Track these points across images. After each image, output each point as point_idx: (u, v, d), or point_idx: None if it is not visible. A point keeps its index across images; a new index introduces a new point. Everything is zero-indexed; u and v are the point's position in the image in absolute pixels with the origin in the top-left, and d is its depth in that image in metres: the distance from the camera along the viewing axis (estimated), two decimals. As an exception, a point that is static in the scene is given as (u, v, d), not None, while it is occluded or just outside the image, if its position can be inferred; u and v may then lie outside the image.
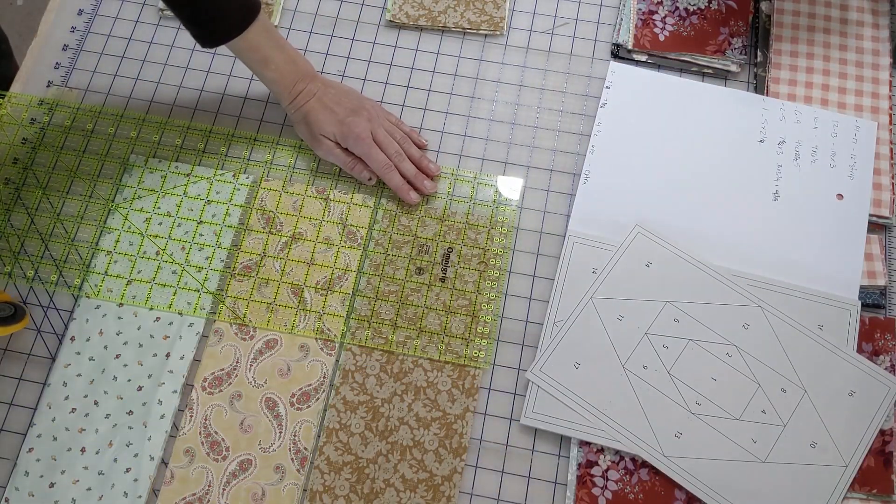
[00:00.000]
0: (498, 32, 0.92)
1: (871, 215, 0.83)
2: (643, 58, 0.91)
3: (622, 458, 0.74)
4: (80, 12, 0.94)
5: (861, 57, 0.90)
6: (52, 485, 0.72)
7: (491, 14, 0.93)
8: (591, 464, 0.73)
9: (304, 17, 0.94)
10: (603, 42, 0.92)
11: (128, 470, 0.73)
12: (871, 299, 0.80)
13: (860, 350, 0.77)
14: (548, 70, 0.91)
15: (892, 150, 0.86)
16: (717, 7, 0.92)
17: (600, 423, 0.74)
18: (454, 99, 0.90)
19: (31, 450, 0.74)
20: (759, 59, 0.90)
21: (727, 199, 0.83)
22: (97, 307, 0.79)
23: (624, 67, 0.89)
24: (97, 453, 0.74)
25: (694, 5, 0.92)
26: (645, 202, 0.83)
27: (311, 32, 0.93)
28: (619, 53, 0.91)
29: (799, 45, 0.90)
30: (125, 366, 0.77)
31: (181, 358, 0.77)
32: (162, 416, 0.74)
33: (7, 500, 0.72)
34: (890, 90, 0.88)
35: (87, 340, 0.77)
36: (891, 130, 0.87)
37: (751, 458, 0.73)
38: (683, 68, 0.90)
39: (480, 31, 0.92)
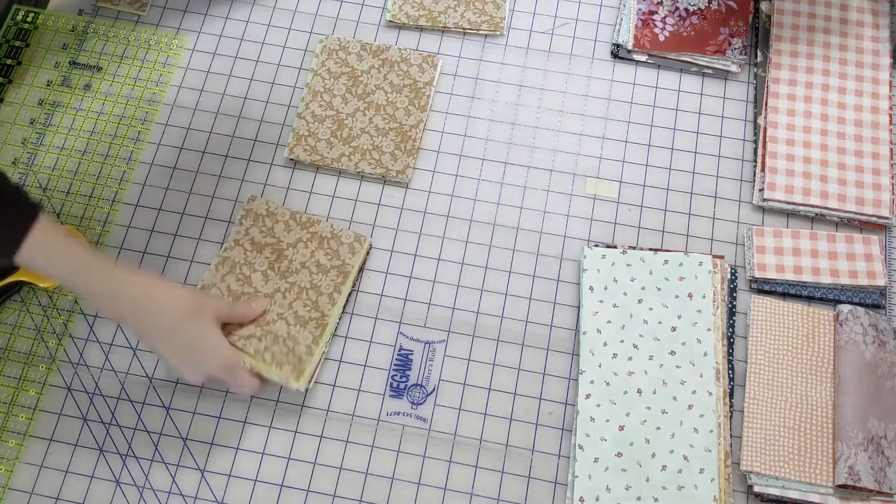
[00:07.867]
0: (498, 32, 0.92)
1: (871, 215, 0.83)
2: (643, 58, 0.90)
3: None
4: None
5: (861, 57, 0.89)
6: (621, 427, 0.74)
7: (491, 14, 0.93)
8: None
9: (304, 18, 0.94)
10: (603, 42, 0.92)
11: (690, 407, 0.74)
12: (871, 299, 0.80)
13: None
14: (548, 70, 0.91)
15: (891, 150, 0.86)
16: (717, 7, 0.92)
17: None
18: (454, 99, 0.90)
19: (588, 396, 0.76)
20: (759, 59, 0.90)
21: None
22: (602, 257, 0.81)
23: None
24: (654, 393, 0.75)
25: (694, 5, 0.92)
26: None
27: (311, 33, 0.93)
28: (619, 53, 0.91)
29: (799, 45, 0.90)
30: (650, 309, 0.78)
31: (703, 297, 0.78)
32: (705, 354, 0.76)
33: (580, 446, 0.74)
34: (890, 90, 0.88)
35: (605, 289, 0.79)
36: (891, 130, 0.86)
37: None
38: (683, 68, 0.90)
39: (480, 31, 0.92)
